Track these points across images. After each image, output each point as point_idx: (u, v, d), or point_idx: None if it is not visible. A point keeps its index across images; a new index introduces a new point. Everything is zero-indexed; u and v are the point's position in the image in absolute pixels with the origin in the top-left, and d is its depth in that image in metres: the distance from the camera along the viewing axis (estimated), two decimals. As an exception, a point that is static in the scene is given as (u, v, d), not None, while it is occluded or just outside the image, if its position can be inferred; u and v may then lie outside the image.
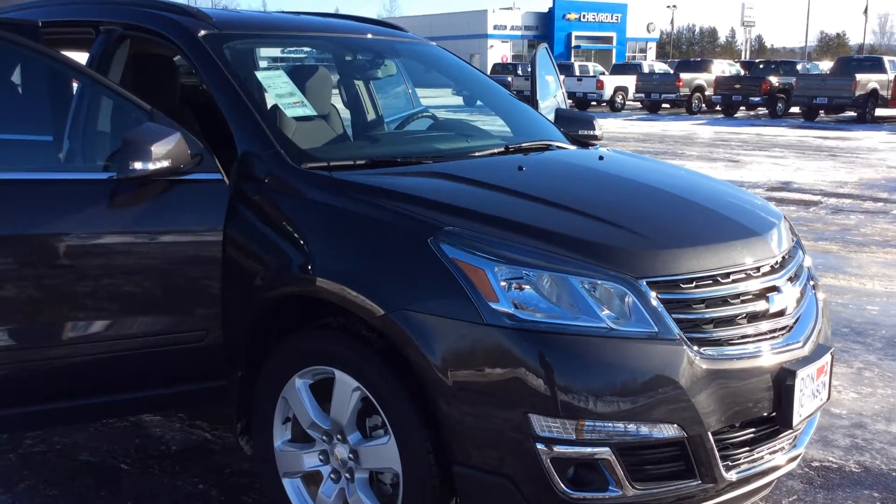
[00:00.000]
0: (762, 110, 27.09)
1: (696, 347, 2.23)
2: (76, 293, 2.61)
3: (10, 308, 2.57)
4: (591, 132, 3.92)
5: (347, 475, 2.49)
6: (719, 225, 2.63)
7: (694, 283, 2.32)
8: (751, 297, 2.41)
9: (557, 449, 2.14)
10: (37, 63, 2.87)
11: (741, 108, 27.10)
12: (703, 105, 28.31)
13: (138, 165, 2.49)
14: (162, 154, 2.51)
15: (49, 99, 2.93)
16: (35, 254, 2.58)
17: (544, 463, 2.14)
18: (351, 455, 2.46)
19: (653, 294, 2.24)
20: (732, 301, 2.37)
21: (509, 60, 50.03)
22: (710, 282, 2.35)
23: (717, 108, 27.50)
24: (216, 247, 2.64)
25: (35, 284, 2.59)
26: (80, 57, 3.21)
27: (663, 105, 28.89)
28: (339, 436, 2.48)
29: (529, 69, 4.50)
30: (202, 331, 2.69)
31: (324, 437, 2.53)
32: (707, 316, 2.31)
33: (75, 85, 2.89)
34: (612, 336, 2.17)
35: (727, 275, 2.38)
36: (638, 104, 30.32)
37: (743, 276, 2.42)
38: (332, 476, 2.53)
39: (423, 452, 2.27)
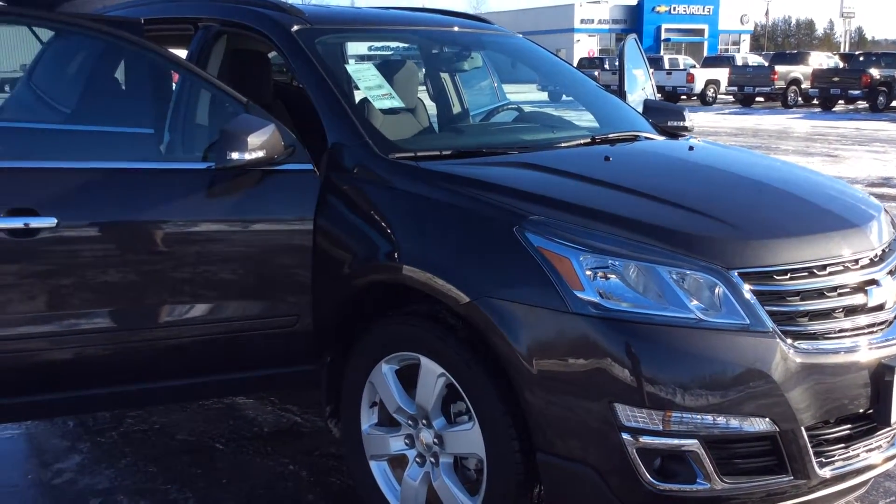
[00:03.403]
0: (862, 104, 25.95)
1: (790, 341, 2.17)
2: (175, 278, 2.72)
3: (113, 291, 2.70)
4: (681, 123, 3.86)
5: (432, 459, 2.52)
6: (815, 216, 2.55)
7: (788, 275, 2.26)
8: (848, 290, 2.33)
9: (643, 440, 2.11)
10: (140, 58, 3.00)
11: (840, 101, 26.06)
12: (800, 98, 27.34)
13: (235, 156, 2.58)
14: (258, 145, 2.59)
15: (151, 92, 3.07)
16: (137, 239, 2.69)
17: (630, 453, 2.12)
18: (436, 440, 2.49)
19: (745, 286, 2.19)
20: (829, 294, 2.30)
21: (596, 55, 49.48)
22: (806, 274, 2.28)
23: (815, 101, 26.53)
24: (307, 235, 2.71)
25: (136, 269, 2.71)
26: (180, 53, 3.34)
27: (757, 99, 28.04)
28: (424, 421, 2.52)
29: (617, 62, 4.45)
30: (294, 316, 2.77)
31: (409, 422, 2.57)
32: (802, 309, 2.24)
33: (175, 79, 3.01)
34: (701, 327, 2.14)
35: (823, 267, 2.31)
36: (730, 98, 29.49)
37: (840, 268, 2.34)
38: (418, 460, 2.57)
39: (507, 439, 2.28)
